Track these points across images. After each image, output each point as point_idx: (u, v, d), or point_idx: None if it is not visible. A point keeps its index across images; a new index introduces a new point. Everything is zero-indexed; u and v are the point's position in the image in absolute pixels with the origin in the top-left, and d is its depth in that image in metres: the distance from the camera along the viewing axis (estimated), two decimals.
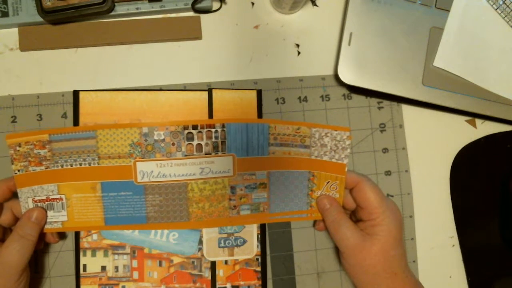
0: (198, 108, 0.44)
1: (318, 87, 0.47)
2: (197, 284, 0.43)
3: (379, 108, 0.47)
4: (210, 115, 0.44)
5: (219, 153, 0.41)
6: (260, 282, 0.44)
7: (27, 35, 0.44)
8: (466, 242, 0.47)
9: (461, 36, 0.46)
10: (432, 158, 0.48)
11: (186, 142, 0.40)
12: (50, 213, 0.40)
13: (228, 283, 0.44)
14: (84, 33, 0.45)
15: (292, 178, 0.42)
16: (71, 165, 0.39)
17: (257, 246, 0.44)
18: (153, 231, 0.43)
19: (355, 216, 0.42)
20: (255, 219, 0.43)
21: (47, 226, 0.40)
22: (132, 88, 0.45)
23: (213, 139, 0.41)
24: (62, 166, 0.39)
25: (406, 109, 0.48)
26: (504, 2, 0.46)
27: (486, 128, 0.48)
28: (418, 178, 0.47)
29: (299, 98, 0.47)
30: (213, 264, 0.44)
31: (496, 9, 0.46)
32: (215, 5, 0.47)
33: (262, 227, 0.44)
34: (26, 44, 0.44)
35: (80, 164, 0.39)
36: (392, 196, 0.47)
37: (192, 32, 0.46)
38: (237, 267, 0.44)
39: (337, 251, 0.44)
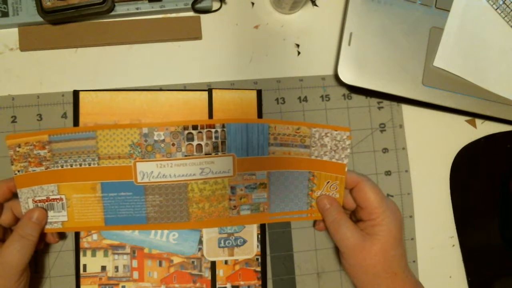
0: (198, 108, 0.44)
1: (318, 87, 0.47)
2: (197, 284, 0.43)
3: (379, 108, 0.47)
4: (210, 115, 0.44)
5: (219, 153, 0.41)
6: (260, 282, 0.44)
7: (27, 35, 0.44)
8: (466, 242, 0.47)
9: (461, 36, 0.46)
10: (432, 158, 0.48)
11: (186, 143, 0.40)
12: (50, 213, 0.40)
13: (228, 283, 0.44)
14: (84, 33, 0.45)
15: (292, 178, 0.42)
16: (71, 166, 0.39)
17: (257, 246, 0.44)
18: (153, 231, 0.43)
19: (355, 216, 0.42)
20: (255, 219, 0.43)
21: (47, 226, 0.40)
22: (132, 88, 0.45)
23: (213, 139, 0.41)
24: (62, 166, 0.39)
25: (406, 109, 0.48)
26: (504, 2, 0.46)
27: (486, 128, 0.48)
28: (418, 178, 0.47)
29: (299, 98, 0.47)
30: (213, 264, 0.44)
31: (496, 9, 0.46)
32: (215, 5, 0.46)
33: (262, 227, 0.44)
34: (26, 44, 0.44)
35: (80, 165, 0.39)
36: (392, 196, 0.47)
37: (192, 32, 0.46)
38: (237, 267, 0.44)
39: (337, 251, 0.45)
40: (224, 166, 0.41)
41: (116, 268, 0.43)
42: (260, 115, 0.45)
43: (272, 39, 0.47)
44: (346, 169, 0.41)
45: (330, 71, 0.47)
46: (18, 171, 0.39)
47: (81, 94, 0.43)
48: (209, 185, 0.41)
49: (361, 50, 0.45)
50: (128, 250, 0.43)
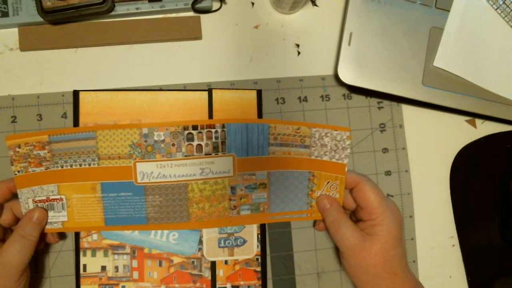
0: (198, 108, 0.44)
1: (318, 87, 0.47)
2: (197, 284, 0.43)
3: (379, 108, 0.47)
4: (210, 115, 0.44)
5: (219, 154, 0.41)
6: (260, 282, 0.44)
7: (27, 35, 0.44)
8: (466, 242, 0.47)
9: (461, 36, 0.46)
10: (432, 158, 0.48)
11: (186, 143, 0.40)
12: (50, 214, 0.40)
13: (228, 283, 0.44)
14: (84, 33, 0.45)
15: (292, 178, 0.42)
16: (71, 166, 0.39)
17: (257, 246, 0.44)
18: (153, 231, 0.43)
19: (355, 216, 0.42)
20: (255, 219, 0.43)
21: (47, 227, 0.40)
22: (132, 88, 0.45)
23: (213, 140, 0.41)
24: (62, 166, 0.39)
25: (406, 109, 0.48)
26: (504, 2, 0.46)
27: (486, 128, 0.48)
28: (418, 178, 0.47)
29: (299, 98, 0.47)
30: (213, 264, 0.44)
31: (496, 9, 0.46)
32: (215, 5, 0.46)
33: (262, 227, 0.44)
34: (26, 44, 0.44)
35: (80, 165, 0.39)
36: (392, 196, 0.47)
37: (192, 32, 0.46)
38: (237, 267, 0.44)
39: (337, 251, 0.45)
40: (224, 166, 0.41)
41: (116, 268, 0.43)
42: (260, 115, 0.45)
43: (272, 39, 0.47)
44: (346, 169, 0.41)
45: (330, 71, 0.47)
46: (18, 172, 0.39)
47: (81, 94, 0.43)
48: (209, 185, 0.41)
49: (361, 50, 0.45)
50: (128, 250, 0.43)
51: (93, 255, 0.43)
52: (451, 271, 0.47)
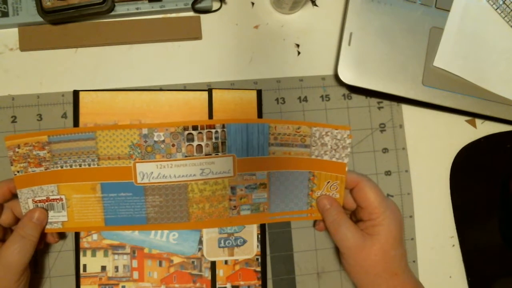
0: (198, 108, 0.44)
1: (318, 87, 0.47)
2: (197, 284, 0.43)
3: (379, 108, 0.47)
4: (210, 115, 0.44)
5: (219, 154, 0.41)
6: (260, 282, 0.44)
7: (27, 35, 0.44)
8: (466, 242, 0.47)
9: (461, 36, 0.46)
10: (432, 158, 0.48)
11: (186, 143, 0.40)
12: (50, 214, 0.40)
13: (228, 283, 0.44)
14: (84, 33, 0.45)
15: (292, 178, 0.42)
16: (71, 166, 0.39)
17: (257, 246, 0.44)
18: (153, 231, 0.43)
19: (355, 216, 0.42)
20: (255, 219, 0.43)
21: (47, 227, 0.40)
22: (132, 88, 0.45)
23: (213, 140, 0.41)
24: (61, 167, 0.39)
25: (406, 109, 0.48)
26: (504, 2, 0.46)
27: (486, 128, 0.48)
28: (418, 178, 0.47)
29: (299, 98, 0.47)
30: (213, 264, 0.44)
31: (496, 9, 0.46)
32: (215, 5, 0.46)
33: (262, 227, 0.44)
34: (26, 44, 0.44)
35: (80, 165, 0.39)
36: (392, 196, 0.47)
37: (192, 32, 0.46)
38: (237, 267, 0.44)
39: (337, 251, 0.45)
40: (224, 167, 0.41)
41: (116, 268, 0.43)
42: (260, 115, 0.45)
43: (272, 39, 0.47)
44: (346, 168, 0.41)
45: (330, 71, 0.47)
46: (18, 172, 0.39)
47: (81, 94, 0.43)
48: (209, 186, 0.41)
49: (361, 50, 0.45)
50: (128, 250, 0.43)
51: (93, 255, 0.43)
52: (451, 271, 0.47)
